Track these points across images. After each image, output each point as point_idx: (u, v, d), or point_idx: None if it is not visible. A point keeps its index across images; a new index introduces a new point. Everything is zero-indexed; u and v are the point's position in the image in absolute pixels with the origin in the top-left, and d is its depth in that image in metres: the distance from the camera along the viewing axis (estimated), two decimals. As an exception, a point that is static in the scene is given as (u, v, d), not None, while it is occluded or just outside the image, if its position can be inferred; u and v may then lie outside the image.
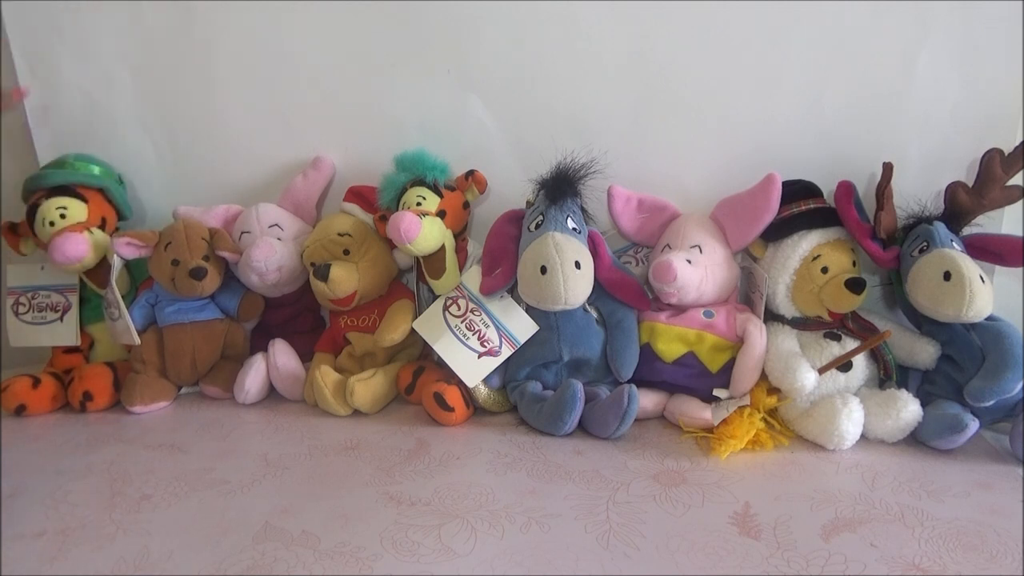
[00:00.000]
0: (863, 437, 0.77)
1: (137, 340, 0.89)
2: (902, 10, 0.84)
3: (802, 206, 0.85)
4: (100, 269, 0.90)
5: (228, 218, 0.97)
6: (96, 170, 0.94)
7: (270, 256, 0.89)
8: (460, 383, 0.84)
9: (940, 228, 0.80)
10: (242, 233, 0.94)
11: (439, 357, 0.87)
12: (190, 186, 1.01)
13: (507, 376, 0.87)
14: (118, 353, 0.95)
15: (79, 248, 0.85)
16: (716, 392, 0.82)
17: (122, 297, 0.92)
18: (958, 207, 0.82)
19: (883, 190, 0.81)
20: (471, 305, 0.87)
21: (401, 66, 0.94)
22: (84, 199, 0.91)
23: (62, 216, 0.89)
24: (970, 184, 0.82)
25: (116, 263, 0.87)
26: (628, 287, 0.84)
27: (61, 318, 0.93)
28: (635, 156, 0.92)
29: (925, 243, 0.79)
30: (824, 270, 0.82)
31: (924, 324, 0.83)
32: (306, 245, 0.91)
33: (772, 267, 0.85)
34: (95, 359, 0.95)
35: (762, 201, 0.83)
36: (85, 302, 0.94)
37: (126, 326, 0.88)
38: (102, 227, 0.92)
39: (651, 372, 0.84)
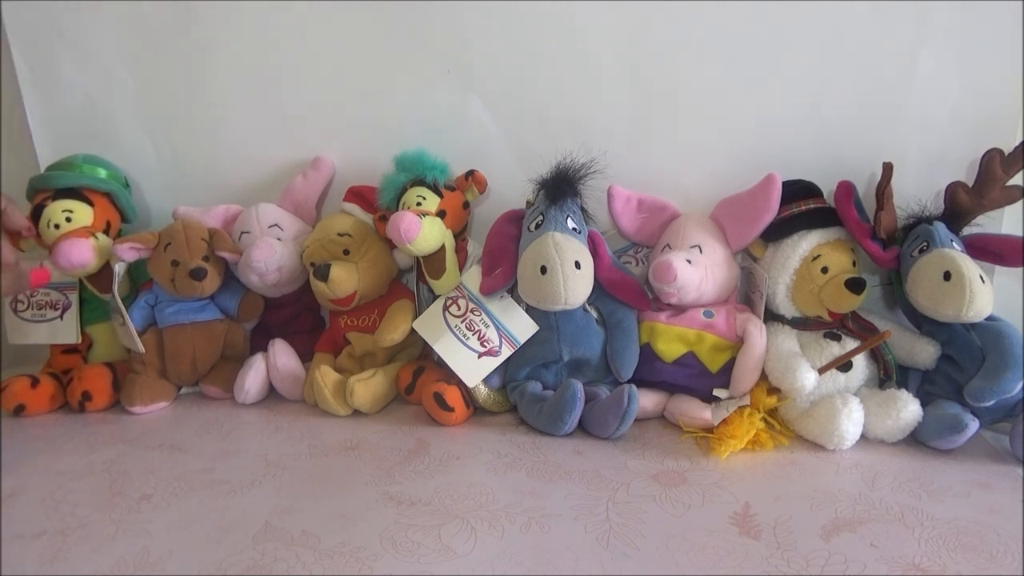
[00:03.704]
0: (863, 437, 0.77)
1: (141, 349, 0.89)
2: (902, 10, 0.84)
3: (802, 206, 0.85)
4: (102, 273, 0.90)
5: (228, 218, 0.97)
6: (103, 173, 0.94)
7: (270, 256, 0.89)
8: (460, 383, 0.84)
9: (940, 228, 0.80)
10: (242, 233, 0.94)
11: (439, 357, 0.87)
12: (190, 186, 1.01)
13: (507, 376, 0.87)
14: (117, 354, 0.95)
15: (84, 255, 0.85)
16: (716, 392, 0.82)
17: (123, 299, 0.91)
18: (958, 207, 0.82)
19: (883, 190, 0.81)
20: (471, 305, 0.87)
21: (401, 66, 0.94)
22: (91, 203, 0.91)
23: (68, 219, 0.89)
24: (970, 184, 0.82)
25: (118, 270, 0.87)
26: (628, 287, 0.84)
27: (61, 316, 0.92)
28: (635, 156, 0.92)
29: (925, 243, 0.79)
30: (824, 270, 0.82)
31: (924, 324, 0.83)
32: (306, 245, 0.91)
33: (772, 267, 0.85)
34: (93, 360, 0.94)
35: (762, 201, 0.83)
36: (84, 303, 0.94)
37: (129, 335, 0.88)
38: (107, 231, 0.92)
39: (651, 372, 0.84)
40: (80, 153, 0.95)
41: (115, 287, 0.87)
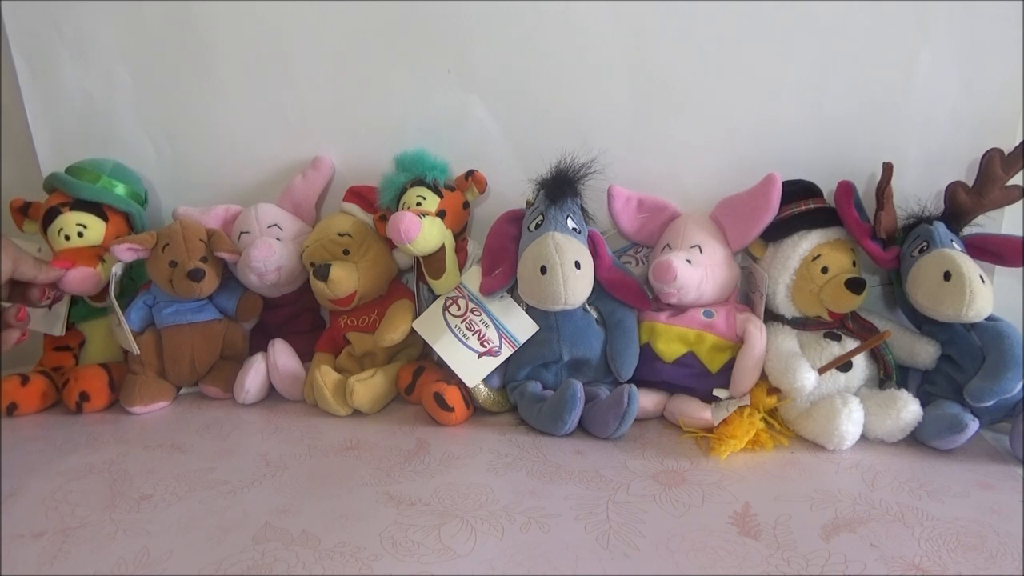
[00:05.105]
0: (863, 437, 0.77)
1: (136, 350, 0.88)
2: (902, 10, 0.84)
3: (802, 206, 0.85)
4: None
5: (227, 218, 0.97)
6: (122, 189, 0.93)
7: (269, 256, 0.89)
8: (460, 383, 0.84)
9: (940, 228, 0.80)
10: (241, 233, 0.94)
11: (439, 357, 0.87)
12: (190, 186, 1.01)
13: (507, 376, 0.87)
14: (110, 352, 0.94)
15: (87, 286, 0.85)
16: (716, 392, 0.82)
17: (119, 297, 0.91)
18: (958, 207, 0.82)
19: (883, 190, 0.81)
20: (471, 305, 0.87)
21: (401, 66, 0.94)
22: (106, 218, 0.91)
23: (80, 235, 0.89)
24: (970, 184, 0.82)
25: (115, 271, 0.86)
26: (628, 287, 0.84)
27: (49, 307, 0.91)
28: (635, 156, 0.92)
29: (925, 243, 0.79)
30: (824, 270, 0.82)
31: (924, 324, 0.83)
32: (306, 245, 0.91)
33: (772, 267, 0.85)
34: (86, 358, 0.94)
35: (762, 201, 0.83)
36: (78, 298, 0.92)
37: (124, 336, 0.87)
38: None
39: (651, 372, 0.84)
40: (111, 160, 0.95)
41: (111, 290, 0.87)
